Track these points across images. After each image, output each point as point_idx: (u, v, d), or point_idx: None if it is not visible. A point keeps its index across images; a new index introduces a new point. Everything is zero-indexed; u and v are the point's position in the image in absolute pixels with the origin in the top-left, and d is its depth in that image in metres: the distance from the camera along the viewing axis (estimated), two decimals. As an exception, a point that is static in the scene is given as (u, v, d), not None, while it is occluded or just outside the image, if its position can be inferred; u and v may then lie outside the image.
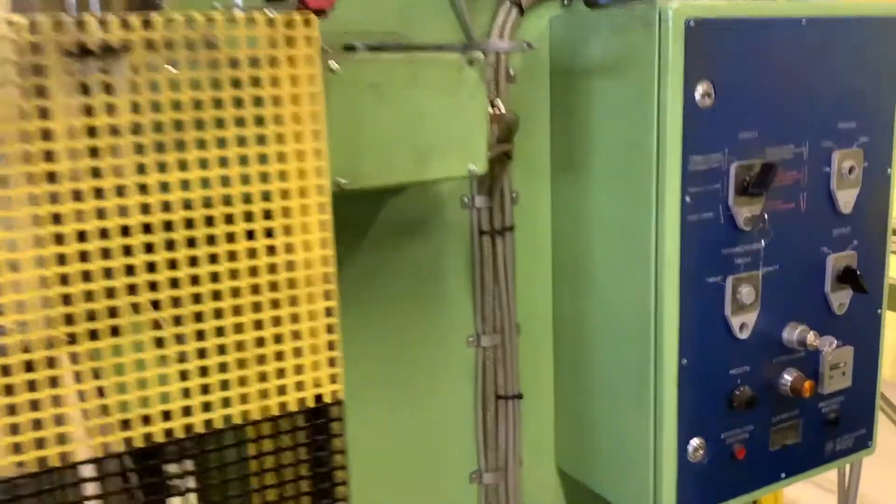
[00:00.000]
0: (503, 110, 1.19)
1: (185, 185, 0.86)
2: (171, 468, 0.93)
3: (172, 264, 0.86)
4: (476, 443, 1.55)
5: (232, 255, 0.90)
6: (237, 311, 0.90)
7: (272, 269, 0.92)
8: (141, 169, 0.83)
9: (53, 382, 0.83)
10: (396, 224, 1.41)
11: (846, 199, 1.43)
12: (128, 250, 0.84)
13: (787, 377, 1.44)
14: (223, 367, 0.91)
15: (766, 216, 1.32)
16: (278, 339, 0.94)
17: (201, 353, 0.89)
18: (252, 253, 0.91)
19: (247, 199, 0.90)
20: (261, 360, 0.93)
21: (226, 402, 0.91)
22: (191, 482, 0.93)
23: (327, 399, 0.97)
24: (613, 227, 1.40)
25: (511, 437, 1.56)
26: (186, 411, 0.90)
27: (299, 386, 0.95)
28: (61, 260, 0.81)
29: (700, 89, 1.25)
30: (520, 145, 1.47)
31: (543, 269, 1.56)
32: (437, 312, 1.48)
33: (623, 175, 1.35)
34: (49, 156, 0.80)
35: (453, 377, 1.52)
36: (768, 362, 1.43)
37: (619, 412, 1.46)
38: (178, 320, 0.87)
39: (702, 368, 1.36)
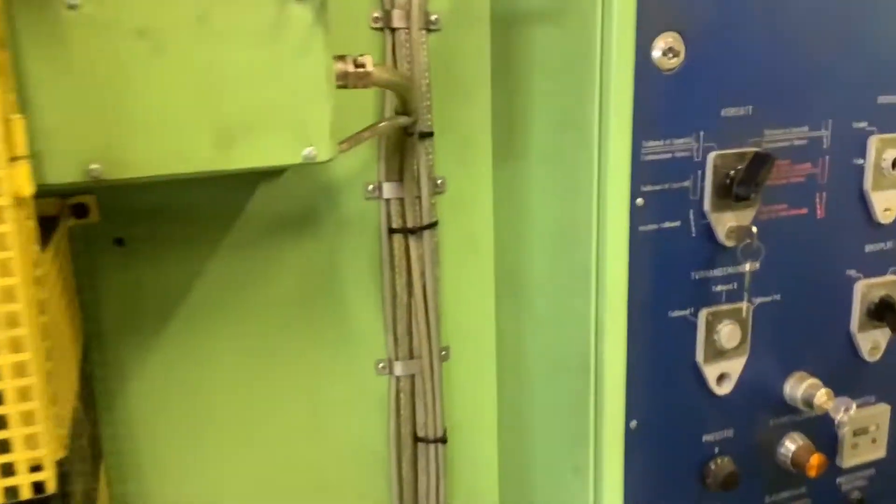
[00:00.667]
0: (370, 68, 0.84)
1: None
2: None
3: None
4: (391, 495, 1.22)
5: None
6: None
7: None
8: None
9: None
10: (275, 217, 1.08)
11: (887, 203, 1.02)
12: None
13: (790, 446, 1.05)
14: None
15: (754, 229, 0.93)
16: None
17: None
18: None
19: None
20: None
21: None
22: None
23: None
24: (551, 233, 1.04)
25: (434, 488, 1.22)
26: None
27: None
28: None
29: (660, 44, 0.86)
30: (448, 118, 1.12)
31: (482, 276, 1.21)
32: (335, 332, 1.15)
33: (560, 164, 0.98)
34: None
35: (359, 413, 1.19)
36: (762, 425, 1.04)
37: (557, 477, 1.11)
38: None
39: (660, 433, 0.99)
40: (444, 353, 1.21)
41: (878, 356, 1.08)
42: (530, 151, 1.05)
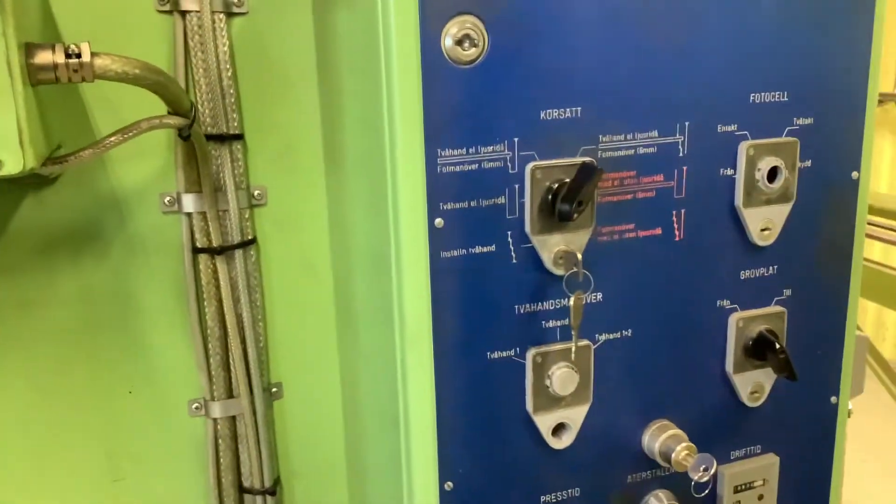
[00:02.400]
0: (87, 58, 0.67)
1: None
2: None
3: None
4: (216, 552, 1.06)
5: None
6: None
7: None
8: None
9: None
10: (46, 235, 0.92)
11: (764, 221, 0.86)
12: None
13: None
14: None
15: (578, 255, 0.76)
16: None
17: None
18: None
19: None
20: None
21: None
22: None
23: None
24: (365, 257, 0.88)
25: (266, 546, 1.06)
26: None
27: None
28: None
29: (453, 30, 0.70)
30: (265, 118, 0.96)
31: (319, 301, 1.04)
32: (133, 368, 0.99)
33: (367, 176, 0.82)
34: None
35: (171, 462, 1.03)
36: (616, 483, 0.88)
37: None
38: None
39: (485, 495, 0.82)
40: (275, 390, 1.05)
41: (760, 400, 0.92)
42: (346, 160, 0.89)
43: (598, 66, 0.76)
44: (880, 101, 3.76)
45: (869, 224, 2.29)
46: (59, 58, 0.67)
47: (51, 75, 0.67)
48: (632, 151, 0.79)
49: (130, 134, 0.76)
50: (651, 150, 0.80)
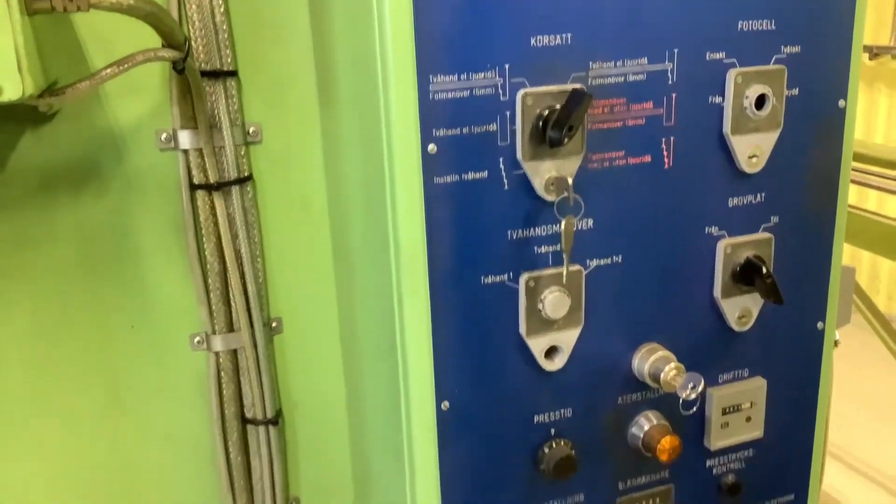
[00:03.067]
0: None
1: None
2: None
3: None
4: (221, 483, 1.09)
5: None
6: None
7: None
8: None
9: None
10: (45, 172, 0.93)
11: (752, 149, 0.88)
12: None
13: (643, 426, 0.92)
14: None
15: (569, 180, 0.78)
16: None
17: None
18: None
19: None
20: None
21: None
22: None
23: None
24: (360, 188, 0.89)
25: (267, 474, 1.09)
26: None
27: None
28: None
29: (443, -46, 0.71)
30: (258, 54, 0.97)
31: (316, 238, 1.06)
32: (135, 303, 1.01)
33: (359, 107, 0.83)
34: None
35: (174, 394, 1.05)
36: (607, 404, 0.91)
37: (385, 464, 0.98)
38: None
39: (480, 415, 0.85)
40: (274, 324, 1.07)
41: (748, 325, 0.94)
42: (339, 93, 0.90)
43: (589, -9, 0.77)
44: (876, 55, 3.75)
45: (864, 173, 2.32)
46: (55, -14, 0.67)
47: (47, 4, 0.67)
48: (622, 79, 0.80)
49: (126, 66, 0.77)
50: (640, 77, 0.81)
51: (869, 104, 3.85)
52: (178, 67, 0.85)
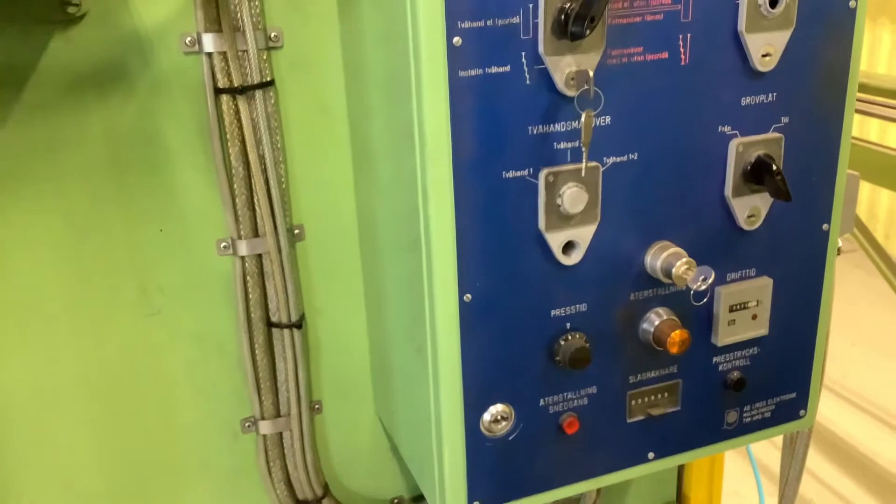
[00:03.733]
0: None
1: None
2: None
3: None
4: (248, 384, 1.13)
5: None
6: None
7: None
8: None
9: None
10: (74, 75, 0.95)
11: (765, 47, 0.90)
12: None
13: (654, 320, 0.96)
14: None
15: (590, 73, 0.80)
16: None
17: None
18: None
19: None
20: None
21: None
22: None
23: None
24: (383, 86, 0.92)
25: (292, 377, 1.14)
26: None
27: None
28: None
29: None
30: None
31: (336, 144, 1.08)
32: (162, 206, 1.04)
33: (380, 4, 0.85)
34: None
35: (201, 297, 1.09)
36: (620, 299, 0.95)
37: (405, 357, 1.02)
38: None
39: (501, 307, 0.89)
40: (297, 231, 1.10)
41: (756, 224, 0.97)
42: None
43: None
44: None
45: (867, 102, 2.33)
46: None
47: None
48: (638, -26, 0.82)
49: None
50: (659, -27, 0.83)
51: (872, 38, 3.85)
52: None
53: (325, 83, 1.05)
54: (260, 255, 1.08)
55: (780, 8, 0.88)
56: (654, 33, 0.84)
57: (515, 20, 0.79)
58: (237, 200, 1.04)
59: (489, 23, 0.78)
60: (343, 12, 1.00)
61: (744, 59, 0.90)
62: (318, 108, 1.06)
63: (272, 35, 1.01)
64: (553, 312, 0.91)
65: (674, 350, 0.93)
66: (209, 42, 0.97)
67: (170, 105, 0.99)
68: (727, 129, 0.92)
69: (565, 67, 0.81)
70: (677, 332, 0.93)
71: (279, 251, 1.07)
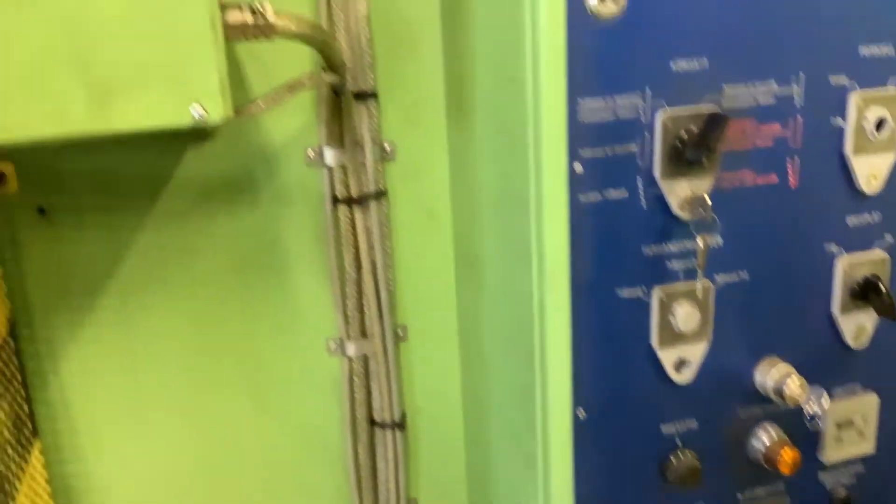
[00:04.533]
0: (271, 18, 0.76)
1: None
2: None
3: None
4: (349, 481, 1.15)
5: None
6: None
7: None
8: None
9: None
10: (206, 184, 1.02)
11: (871, 169, 0.92)
12: None
13: (763, 439, 0.96)
14: None
15: (707, 199, 0.83)
16: None
17: None
18: None
19: None
20: None
21: None
22: None
23: None
24: (497, 202, 0.95)
25: (393, 476, 1.16)
26: None
27: None
28: None
29: (596, -11, 0.77)
30: (395, 75, 1.04)
31: (441, 249, 1.13)
32: (279, 308, 1.09)
33: (501, 125, 0.90)
34: None
35: (310, 395, 1.13)
36: (730, 416, 0.95)
37: (512, 469, 1.03)
38: None
39: (613, 423, 0.90)
40: (400, 332, 1.14)
41: (863, 342, 0.97)
42: (476, 111, 0.97)
43: (723, 19, 0.82)
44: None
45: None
46: (248, 17, 0.75)
47: (240, 34, 0.75)
48: (752, 101, 0.85)
49: (298, 88, 0.85)
50: (770, 100, 0.86)
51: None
52: (339, 90, 0.92)
53: (433, 191, 1.10)
54: (366, 356, 1.11)
55: (886, 131, 0.90)
56: (763, 158, 0.87)
57: (633, 148, 0.82)
58: (348, 303, 1.09)
59: (608, 150, 0.81)
60: (454, 126, 1.05)
61: (850, 180, 0.91)
62: (425, 214, 1.11)
63: (387, 147, 1.06)
64: (664, 429, 0.92)
65: (785, 471, 0.92)
66: (330, 155, 1.03)
67: (291, 213, 1.05)
68: (834, 247, 0.93)
69: (680, 191, 0.84)
70: (789, 452, 0.93)
71: (385, 352, 1.10)
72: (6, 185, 0.94)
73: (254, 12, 0.75)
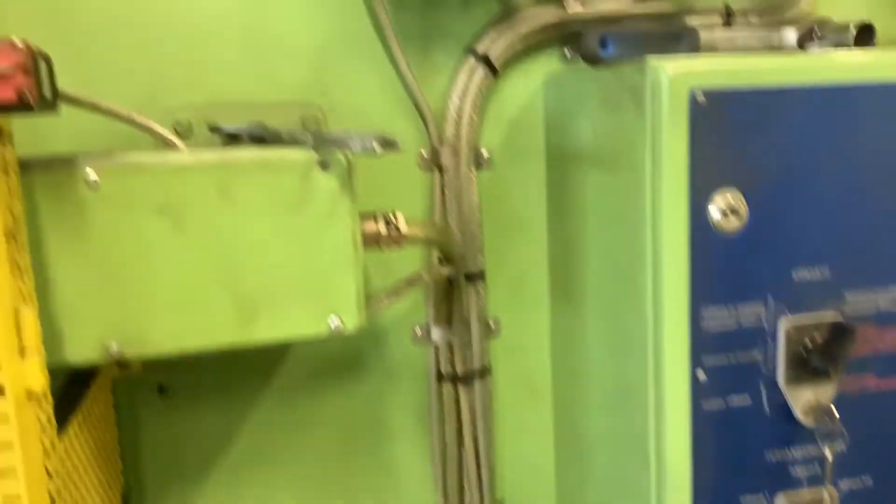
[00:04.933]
0: (404, 229, 0.79)
1: None
2: None
3: None
4: None
5: None
6: None
7: None
8: None
9: None
10: (318, 362, 1.04)
11: None
12: None
13: None
14: None
15: (833, 410, 0.81)
16: None
17: None
18: None
19: None
20: None
21: None
22: None
23: None
24: (608, 393, 0.95)
25: None
26: None
27: None
28: None
29: (719, 203, 0.78)
30: (501, 255, 1.06)
31: (540, 424, 1.12)
32: (380, 483, 1.08)
33: (614, 319, 0.90)
34: None
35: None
36: None
37: None
38: None
39: None
40: (499, 507, 1.12)
41: None
42: (586, 298, 0.97)
43: (842, 229, 0.82)
44: None
45: None
46: (382, 227, 0.78)
47: (374, 243, 0.78)
48: (874, 307, 0.84)
49: (417, 284, 0.87)
50: (892, 305, 0.84)
51: None
52: (453, 278, 0.94)
53: (535, 367, 1.10)
54: (464, 532, 1.09)
55: None
56: (886, 362, 0.85)
57: (756, 355, 0.81)
58: (448, 479, 1.08)
59: (732, 358, 0.81)
60: (556, 304, 1.06)
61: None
62: (527, 390, 1.11)
63: (491, 324, 1.07)
64: None
65: None
66: (437, 334, 1.04)
67: (396, 389, 1.06)
68: (964, 445, 0.90)
69: (804, 398, 0.82)
70: None
71: (484, 530, 1.08)
72: (131, 366, 0.97)
73: (388, 223, 0.78)
